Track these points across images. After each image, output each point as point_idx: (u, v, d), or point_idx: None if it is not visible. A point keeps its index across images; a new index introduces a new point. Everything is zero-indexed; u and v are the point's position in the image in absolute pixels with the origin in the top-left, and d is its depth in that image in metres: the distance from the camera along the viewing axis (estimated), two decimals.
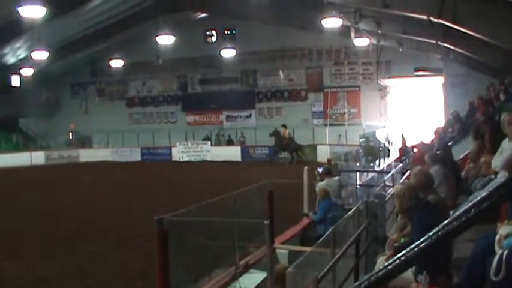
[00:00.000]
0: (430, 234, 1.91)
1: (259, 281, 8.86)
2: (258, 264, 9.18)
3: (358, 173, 17.58)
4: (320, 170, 14.66)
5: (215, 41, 39.73)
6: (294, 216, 13.62)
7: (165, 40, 30.73)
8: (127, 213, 16.71)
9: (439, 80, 30.69)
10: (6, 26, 27.78)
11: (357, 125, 34.81)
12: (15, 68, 37.23)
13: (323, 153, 30.69)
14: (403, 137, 26.08)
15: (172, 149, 38.35)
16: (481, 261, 4.04)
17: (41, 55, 29.81)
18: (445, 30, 18.69)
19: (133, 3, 33.38)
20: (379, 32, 24.70)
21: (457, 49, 22.17)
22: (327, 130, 35.60)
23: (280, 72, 38.75)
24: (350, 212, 8.12)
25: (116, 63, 37.77)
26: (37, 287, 9.98)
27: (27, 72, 37.04)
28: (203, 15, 38.47)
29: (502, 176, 7.04)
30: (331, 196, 12.79)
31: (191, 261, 8.58)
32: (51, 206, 18.46)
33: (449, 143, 16.60)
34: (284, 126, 34.97)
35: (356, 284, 2.00)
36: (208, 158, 36.60)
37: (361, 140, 25.77)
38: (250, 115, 40.12)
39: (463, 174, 10.06)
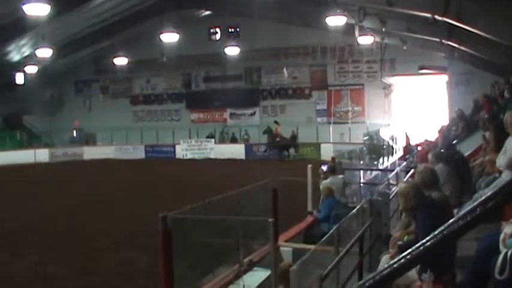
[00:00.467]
0: (436, 233, 1.91)
1: (263, 278, 8.86)
2: (261, 262, 9.18)
3: (362, 171, 17.55)
4: (324, 168, 14.63)
5: (219, 39, 39.81)
6: (298, 214, 13.61)
7: (169, 38, 30.72)
8: (130, 211, 16.73)
9: (443, 78, 30.63)
10: (11, 23, 27.83)
11: (360, 123, 34.86)
12: (19, 66, 37.25)
13: (327, 151, 30.71)
14: (407, 135, 26.06)
15: (176, 146, 38.37)
16: (485, 260, 4.03)
17: (45, 53, 29.82)
18: (450, 28, 18.64)
19: (137, 1, 33.40)
20: (383, 30, 24.67)
21: (461, 47, 22.12)
22: (330, 128, 35.61)
23: (284, 70, 38.78)
24: (354, 210, 8.11)
25: (120, 61, 37.76)
26: (41, 285, 10.00)
27: (31, 69, 37.04)
28: (207, 12, 38.53)
29: (506, 175, 7.03)
30: (335, 194, 12.77)
31: (195, 259, 8.58)
32: (55, 204, 18.48)
33: (454, 142, 16.57)
34: (276, 122, 35.10)
35: (361, 282, 2.00)
36: (212, 156, 36.59)
37: (365, 138, 25.73)
38: (254, 113, 40.14)
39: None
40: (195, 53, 39.26)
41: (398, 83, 35.41)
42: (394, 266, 1.98)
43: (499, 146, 7.95)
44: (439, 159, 9.21)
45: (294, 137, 34.67)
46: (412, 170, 11.44)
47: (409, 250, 1.97)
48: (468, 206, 2.42)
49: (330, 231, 6.44)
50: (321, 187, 13.19)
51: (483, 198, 1.89)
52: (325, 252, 6.21)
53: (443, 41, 21.98)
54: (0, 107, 39.00)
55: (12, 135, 40.12)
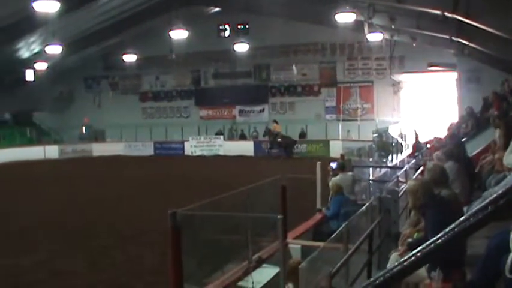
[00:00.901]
0: (447, 230, 1.90)
1: (271, 275, 8.86)
2: (270, 259, 9.17)
3: (371, 169, 17.56)
4: (333, 165, 14.63)
5: (228, 36, 39.77)
6: (306, 211, 13.60)
7: (179, 34, 30.68)
8: (140, 208, 16.78)
9: (452, 76, 30.48)
10: (21, 20, 27.90)
11: (369, 121, 34.74)
12: (29, 63, 37.35)
13: (336, 149, 30.69)
14: (416, 133, 25.98)
15: (185, 143, 38.47)
16: (496, 258, 4.00)
17: (54, 49, 29.86)
18: (459, 25, 18.53)
19: None
20: (393, 27, 24.55)
21: (471, 44, 21.99)
22: (339, 125, 35.55)
23: (293, 67, 38.72)
24: (363, 207, 8.10)
25: (130, 58, 37.74)
26: (51, 281, 10.05)
27: (41, 66, 37.10)
28: (216, 9, 38.51)
29: None
30: (344, 191, 12.76)
31: (204, 255, 8.60)
32: (63, 201, 18.57)
33: (463, 139, 16.51)
34: (275, 121, 35.11)
35: (371, 280, 1.99)
36: (221, 153, 36.69)
37: (374, 135, 25.67)
38: (263, 110, 40.13)
39: (476, 170, 10.00)
40: (204, 50, 39.22)
41: (408, 80, 35.31)
42: (404, 263, 1.97)
43: (509, 144, 7.92)
44: (449, 157, 9.18)
45: (303, 134, 34.67)
46: (422, 168, 11.41)
47: (419, 248, 1.97)
48: (478, 204, 2.41)
49: (339, 229, 6.45)
50: (330, 184, 13.19)
51: (494, 196, 1.88)
52: (334, 250, 6.21)
53: (452, 38, 21.85)
54: (10, 103, 39.14)
55: (22, 132, 40.34)
